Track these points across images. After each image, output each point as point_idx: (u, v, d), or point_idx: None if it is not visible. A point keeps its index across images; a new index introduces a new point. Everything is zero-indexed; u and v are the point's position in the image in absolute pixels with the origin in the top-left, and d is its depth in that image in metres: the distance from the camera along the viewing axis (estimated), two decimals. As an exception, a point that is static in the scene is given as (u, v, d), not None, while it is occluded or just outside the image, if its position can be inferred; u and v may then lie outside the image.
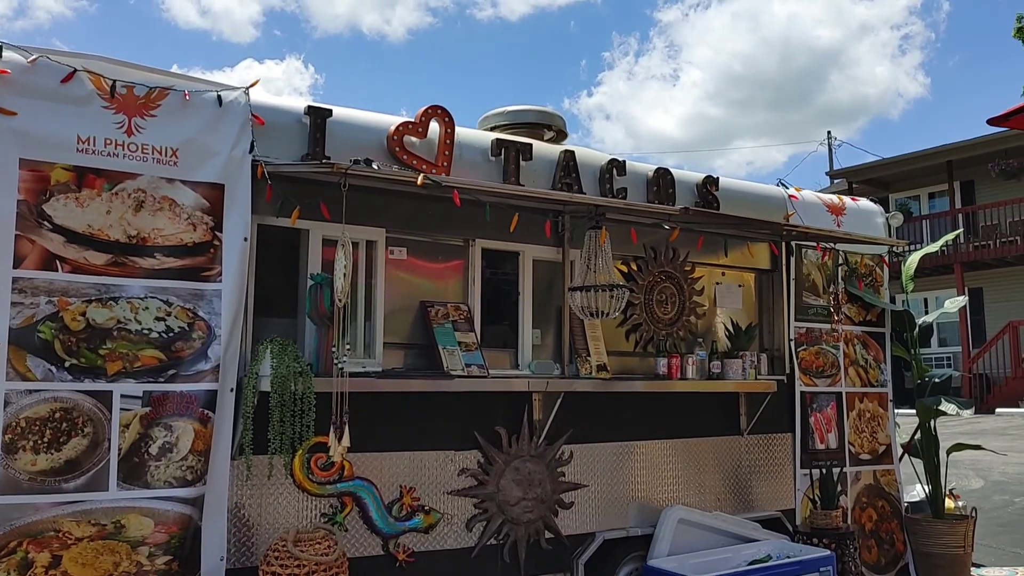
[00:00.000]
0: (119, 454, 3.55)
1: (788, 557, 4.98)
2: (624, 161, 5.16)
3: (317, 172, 3.87)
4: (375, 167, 3.92)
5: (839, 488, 5.63)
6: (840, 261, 6.21)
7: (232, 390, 3.81)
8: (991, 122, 4.69)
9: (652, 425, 5.19)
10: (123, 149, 3.68)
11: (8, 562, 3.32)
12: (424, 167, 4.38)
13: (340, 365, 3.82)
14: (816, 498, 5.59)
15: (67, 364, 3.49)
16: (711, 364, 5.33)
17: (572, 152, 4.95)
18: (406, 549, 4.25)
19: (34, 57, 3.54)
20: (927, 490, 6.36)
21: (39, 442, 3.41)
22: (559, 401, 4.65)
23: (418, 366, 4.54)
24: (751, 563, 4.95)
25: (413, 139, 4.43)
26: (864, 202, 6.61)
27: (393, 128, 4.36)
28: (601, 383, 4.82)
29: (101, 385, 3.55)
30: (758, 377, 5.47)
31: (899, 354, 6.58)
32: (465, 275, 4.78)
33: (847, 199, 6.49)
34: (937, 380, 6.40)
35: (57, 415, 3.46)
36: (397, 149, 4.34)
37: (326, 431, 3.91)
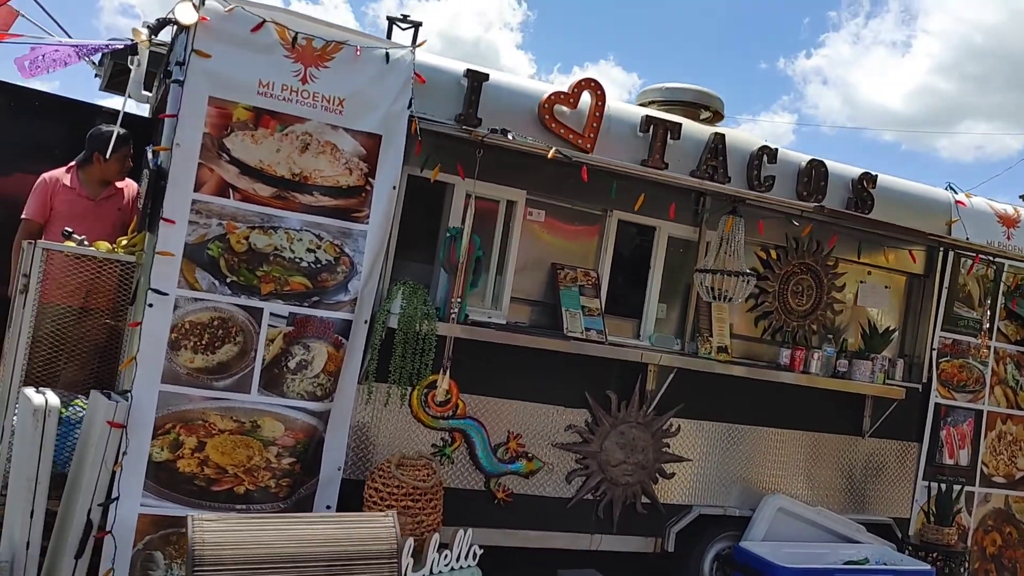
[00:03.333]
0: (263, 364, 4.05)
1: (886, 564, 4.96)
2: (776, 149, 5.15)
3: (461, 133, 4.17)
4: (510, 137, 4.17)
5: (958, 507, 5.49)
6: (1003, 276, 5.93)
7: (366, 322, 4.23)
8: None
9: (768, 412, 5.25)
10: (297, 95, 4.10)
11: (163, 440, 3.90)
12: (571, 136, 4.60)
13: (454, 313, 4.15)
14: (932, 512, 5.47)
15: (228, 280, 4.01)
16: (838, 362, 5.30)
17: (722, 135, 5.00)
18: (506, 489, 4.59)
19: (231, 7, 4.00)
20: (1063, 525, 6.06)
21: (198, 343, 3.96)
22: (672, 375, 4.81)
23: (541, 323, 4.82)
24: (846, 563, 4.97)
25: (564, 108, 4.64)
26: (1044, 216, 6.23)
27: (545, 96, 4.59)
28: (715, 364, 4.92)
29: (255, 302, 4.05)
30: (887, 382, 5.39)
31: (1057, 380, 6.23)
32: (599, 243, 4.98)
33: (1024, 211, 6.15)
34: (1093, 413, 6.03)
35: (215, 323, 3.99)
36: (547, 117, 4.57)
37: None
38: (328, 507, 4.17)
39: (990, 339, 5.94)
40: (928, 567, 4.98)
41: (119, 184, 4.96)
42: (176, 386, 3.93)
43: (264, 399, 4.06)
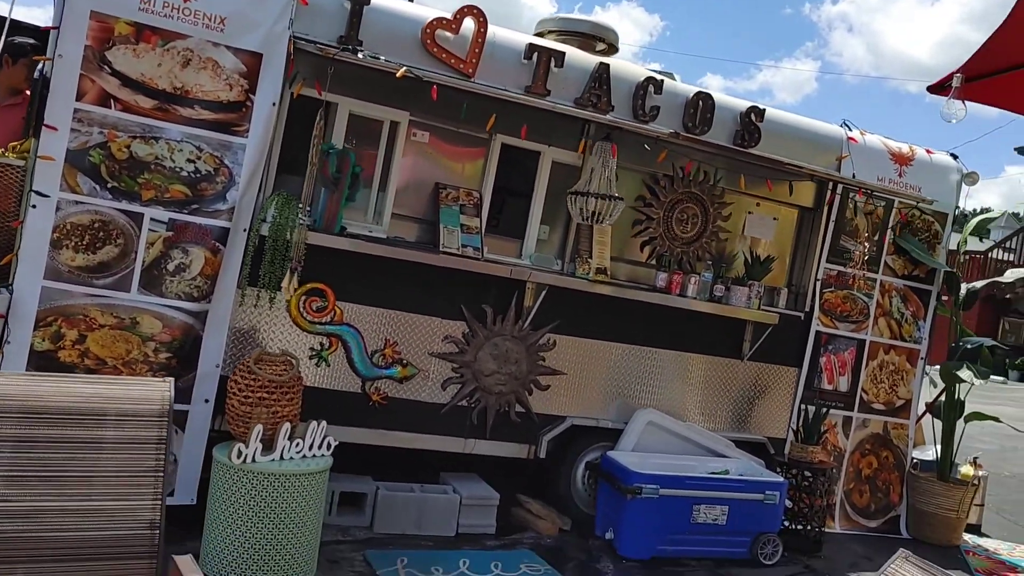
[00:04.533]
0: (142, 265, 4.34)
1: (742, 475, 5.30)
2: (662, 80, 5.34)
3: (315, 50, 4.41)
4: (360, 56, 4.40)
5: (824, 428, 5.81)
6: (892, 211, 6.16)
7: (245, 230, 4.51)
8: (931, 90, 4.55)
9: (647, 333, 5.54)
10: (178, 12, 4.32)
11: (45, 332, 4.22)
12: (453, 61, 4.82)
13: (303, 222, 4.45)
14: (800, 432, 5.80)
15: (109, 186, 4.28)
16: (715, 287, 5.57)
17: (607, 65, 5.19)
18: (381, 393, 4.92)
19: (113, -75, 4.20)
20: (937, 451, 6.38)
21: (79, 243, 4.25)
22: (544, 292, 5.10)
23: (424, 240, 5.09)
24: (710, 474, 5.31)
25: (447, 34, 4.84)
26: (940, 155, 6.44)
27: (427, 22, 4.79)
28: (584, 283, 5.20)
29: (135, 207, 4.33)
30: (763, 308, 5.67)
31: (943, 314, 6.51)
32: (483, 165, 5.23)
33: (920, 150, 6.34)
34: (968, 347, 6.32)
35: (96, 225, 4.27)
36: (428, 42, 4.78)
37: (321, 279, 4.61)
38: (206, 400, 4.49)
39: (876, 272, 6.19)
40: (780, 479, 5.32)
41: (28, 93, 5.20)
42: (58, 282, 4.24)
43: (143, 298, 4.36)
